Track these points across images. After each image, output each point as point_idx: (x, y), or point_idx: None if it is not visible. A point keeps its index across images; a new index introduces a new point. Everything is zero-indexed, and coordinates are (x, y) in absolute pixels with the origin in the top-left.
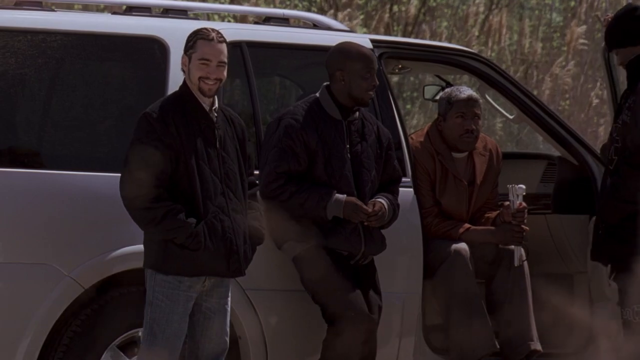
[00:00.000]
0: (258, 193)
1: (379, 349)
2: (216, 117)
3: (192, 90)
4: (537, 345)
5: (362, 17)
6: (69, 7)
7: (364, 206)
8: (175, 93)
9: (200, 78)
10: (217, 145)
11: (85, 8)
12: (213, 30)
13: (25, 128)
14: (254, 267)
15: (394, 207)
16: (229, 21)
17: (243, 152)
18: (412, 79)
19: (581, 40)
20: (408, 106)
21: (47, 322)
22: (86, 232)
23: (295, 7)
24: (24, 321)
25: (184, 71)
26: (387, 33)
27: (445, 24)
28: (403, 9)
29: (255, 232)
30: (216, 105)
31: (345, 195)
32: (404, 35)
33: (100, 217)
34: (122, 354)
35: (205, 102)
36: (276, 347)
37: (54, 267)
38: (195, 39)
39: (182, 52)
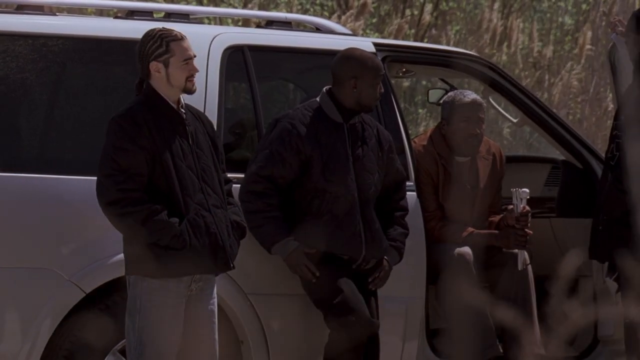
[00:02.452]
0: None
1: (382, 353)
2: (184, 113)
3: (161, 93)
4: (540, 350)
5: (374, 20)
6: (81, 12)
7: (310, 266)
8: (139, 98)
9: (187, 78)
10: (190, 142)
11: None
12: (171, 29)
13: (26, 132)
14: (255, 271)
15: (402, 246)
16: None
17: (215, 148)
18: (424, 82)
19: (588, 46)
20: (420, 110)
21: (48, 327)
22: (87, 237)
23: (306, 11)
24: (25, 326)
25: (147, 78)
26: (401, 38)
27: (457, 28)
28: (416, 12)
29: (238, 226)
30: (182, 102)
31: (297, 245)
32: (416, 40)
33: (101, 222)
34: (123, 358)
35: (172, 101)
36: (278, 352)
37: (55, 272)
38: (166, 43)
39: None
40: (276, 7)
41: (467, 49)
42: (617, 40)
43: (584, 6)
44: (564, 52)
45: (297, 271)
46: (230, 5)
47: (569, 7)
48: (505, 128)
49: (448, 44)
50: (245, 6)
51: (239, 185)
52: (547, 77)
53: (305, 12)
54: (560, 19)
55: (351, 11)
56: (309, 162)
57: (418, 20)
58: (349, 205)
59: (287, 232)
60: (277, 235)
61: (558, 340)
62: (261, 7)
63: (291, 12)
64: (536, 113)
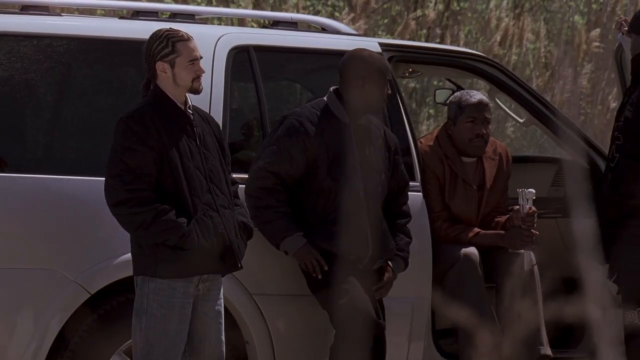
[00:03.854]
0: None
1: (388, 353)
2: (192, 114)
3: (167, 93)
4: (547, 350)
5: (385, 21)
6: (92, 13)
7: (321, 260)
8: (147, 99)
9: (193, 79)
10: (198, 143)
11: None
12: (178, 29)
13: (31, 133)
14: (261, 272)
15: (407, 256)
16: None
17: (222, 149)
18: (435, 82)
19: (595, 43)
20: (431, 111)
21: (53, 328)
22: (92, 238)
23: (317, 12)
24: (30, 326)
25: (153, 79)
26: (411, 38)
27: (468, 28)
28: (427, 12)
29: (245, 227)
30: (190, 103)
31: (306, 240)
32: (427, 41)
33: (106, 222)
34: (128, 359)
35: (179, 102)
36: (284, 352)
37: (60, 273)
38: (172, 43)
39: None
40: (288, 8)
41: (478, 50)
42: (622, 40)
43: (594, 6)
44: (574, 52)
45: (307, 265)
46: (240, 6)
47: (581, 7)
48: (509, 127)
49: (454, 44)
50: (255, 7)
51: (243, 187)
52: (557, 77)
53: (316, 13)
54: (571, 19)
55: (353, 14)
56: (315, 160)
57: (429, 20)
58: (356, 205)
59: (297, 228)
60: (286, 231)
61: (512, 339)
62: (272, 8)
63: (301, 13)
64: (542, 113)
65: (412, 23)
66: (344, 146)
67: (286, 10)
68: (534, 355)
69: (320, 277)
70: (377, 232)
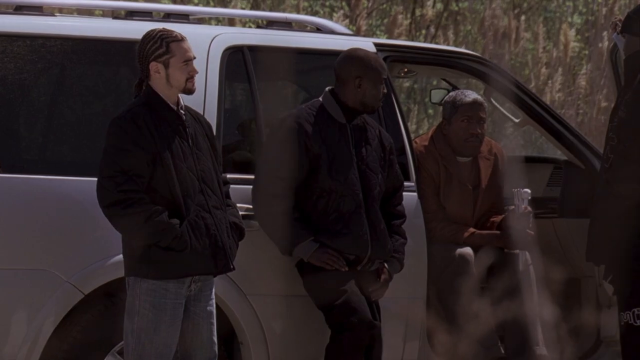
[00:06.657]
0: (251, 193)
1: (383, 353)
2: (184, 115)
3: (160, 94)
4: (542, 350)
5: (385, 21)
6: (90, 13)
7: (337, 255)
8: (140, 99)
9: (187, 79)
10: (190, 143)
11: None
12: (172, 30)
13: (24, 134)
14: (255, 272)
15: (403, 257)
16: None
17: (213, 149)
18: (435, 82)
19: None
20: (430, 111)
21: (47, 328)
22: (86, 238)
23: (315, 13)
24: (24, 327)
25: (146, 79)
26: (409, 38)
27: (467, 28)
28: (425, 11)
29: (236, 227)
30: (182, 104)
31: (318, 245)
32: (425, 41)
33: (100, 223)
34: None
35: (172, 102)
36: (278, 353)
37: (54, 273)
38: (166, 44)
39: None
40: (286, 8)
41: (477, 50)
42: (618, 40)
43: (591, 6)
44: (573, 52)
45: (327, 263)
46: (236, 7)
47: (580, 7)
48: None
49: (449, 44)
50: (253, 7)
51: (237, 187)
52: (555, 77)
53: (314, 13)
54: (569, 19)
55: (342, 11)
56: (316, 160)
57: (425, 19)
58: (355, 205)
59: (308, 233)
60: (299, 237)
61: (469, 340)
62: (271, 9)
63: (299, 13)
64: (538, 113)
65: (399, 17)
66: (342, 146)
67: (284, 11)
68: (529, 355)
69: (346, 269)
70: (375, 232)
